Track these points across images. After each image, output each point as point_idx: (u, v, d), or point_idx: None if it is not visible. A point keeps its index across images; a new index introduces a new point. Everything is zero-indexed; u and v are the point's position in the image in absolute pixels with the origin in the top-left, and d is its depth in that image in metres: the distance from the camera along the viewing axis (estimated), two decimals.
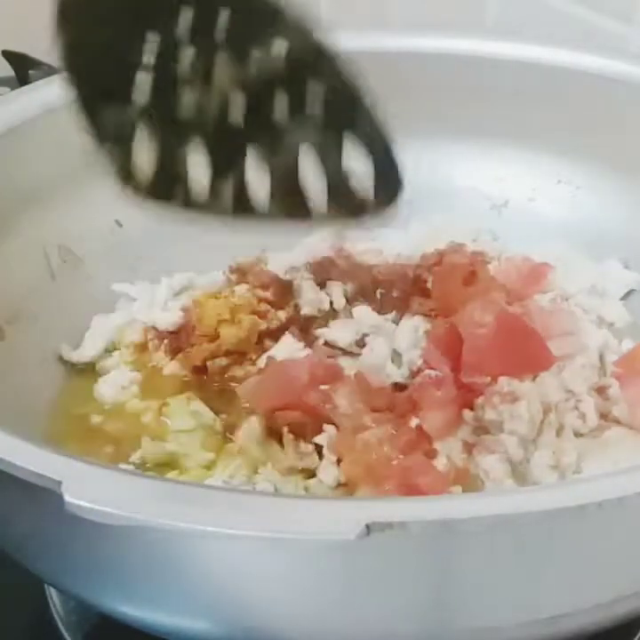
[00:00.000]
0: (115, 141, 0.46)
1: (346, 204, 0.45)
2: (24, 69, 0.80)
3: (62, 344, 0.58)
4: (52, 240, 0.59)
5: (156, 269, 0.63)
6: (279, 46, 0.44)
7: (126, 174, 0.46)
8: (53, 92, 0.59)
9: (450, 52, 0.64)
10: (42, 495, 0.37)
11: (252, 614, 0.40)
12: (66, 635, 0.51)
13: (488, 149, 0.65)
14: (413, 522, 0.36)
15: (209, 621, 0.41)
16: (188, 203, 0.46)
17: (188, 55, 0.44)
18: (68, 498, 0.36)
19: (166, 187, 0.46)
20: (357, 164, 0.45)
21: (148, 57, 0.45)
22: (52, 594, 0.53)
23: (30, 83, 0.73)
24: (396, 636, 0.40)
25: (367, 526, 0.35)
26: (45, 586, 0.53)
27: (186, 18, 0.44)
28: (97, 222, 0.61)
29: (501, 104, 0.64)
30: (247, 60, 0.44)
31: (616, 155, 0.62)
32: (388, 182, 0.46)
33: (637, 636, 0.50)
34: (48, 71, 0.75)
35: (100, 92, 0.46)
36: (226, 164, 0.46)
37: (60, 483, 0.36)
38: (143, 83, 0.45)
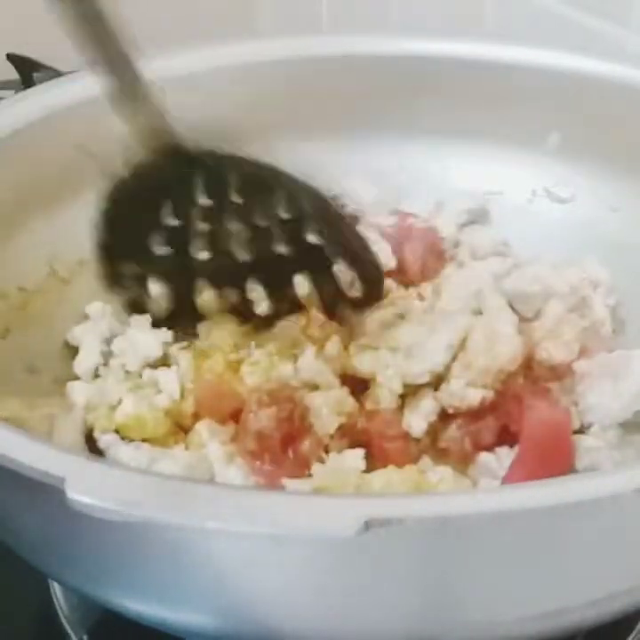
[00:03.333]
0: (129, 288, 0.55)
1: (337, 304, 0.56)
2: (28, 72, 0.81)
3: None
4: (57, 241, 0.60)
5: None
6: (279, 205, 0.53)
7: (139, 308, 0.56)
8: (57, 95, 0.60)
9: (448, 54, 0.64)
10: (45, 491, 0.37)
11: (252, 610, 0.40)
12: (69, 630, 0.52)
13: (483, 150, 0.65)
14: (412, 518, 0.36)
15: (209, 617, 0.41)
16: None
17: (200, 224, 0.53)
18: (70, 494, 0.36)
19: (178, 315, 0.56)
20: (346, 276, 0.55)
21: (165, 221, 0.53)
22: (56, 589, 0.53)
23: (34, 85, 0.74)
24: (394, 631, 0.41)
25: (366, 523, 0.35)
26: (49, 581, 0.53)
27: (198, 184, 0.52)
28: None
29: (499, 106, 0.64)
30: (252, 218, 0.53)
31: (615, 156, 0.62)
32: (372, 285, 0.56)
33: (636, 631, 0.50)
34: (52, 74, 0.76)
35: (122, 255, 0.54)
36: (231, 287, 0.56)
37: (63, 479, 0.36)
38: (159, 243, 0.54)
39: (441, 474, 0.51)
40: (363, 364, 0.54)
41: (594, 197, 0.64)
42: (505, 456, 0.52)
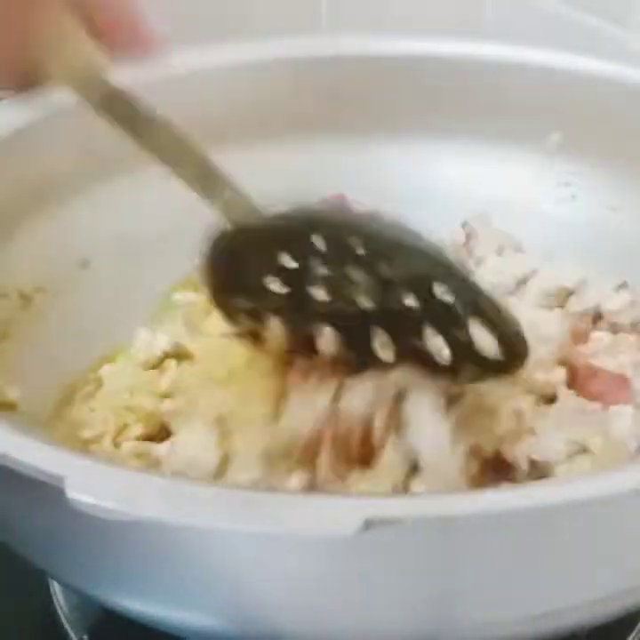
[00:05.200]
0: (247, 320, 0.52)
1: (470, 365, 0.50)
2: None
3: None
4: (58, 242, 0.60)
5: None
6: (405, 266, 0.48)
7: (257, 340, 0.52)
8: (59, 95, 0.60)
9: (449, 55, 0.64)
10: (44, 491, 0.37)
11: (252, 609, 0.40)
12: (69, 630, 0.52)
13: (483, 151, 0.65)
14: (412, 518, 0.36)
15: (209, 617, 0.41)
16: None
17: (320, 270, 0.50)
18: (70, 494, 0.36)
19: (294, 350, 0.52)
20: (482, 337, 0.49)
21: (282, 271, 0.50)
22: (56, 589, 0.53)
23: None
24: (393, 631, 0.41)
25: (365, 522, 0.35)
26: (49, 581, 0.53)
27: (317, 242, 0.49)
28: (104, 223, 0.62)
29: (499, 106, 0.64)
30: (377, 272, 0.49)
31: (615, 156, 0.62)
32: (514, 350, 0.49)
33: (636, 630, 0.50)
34: None
35: (235, 293, 0.52)
36: (353, 339, 0.51)
37: (62, 478, 0.36)
38: (277, 288, 0.51)
39: None
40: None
41: (595, 198, 0.64)
42: None
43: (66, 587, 0.52)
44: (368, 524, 0.35)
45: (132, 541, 0.39)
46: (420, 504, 0.38)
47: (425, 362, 0.50)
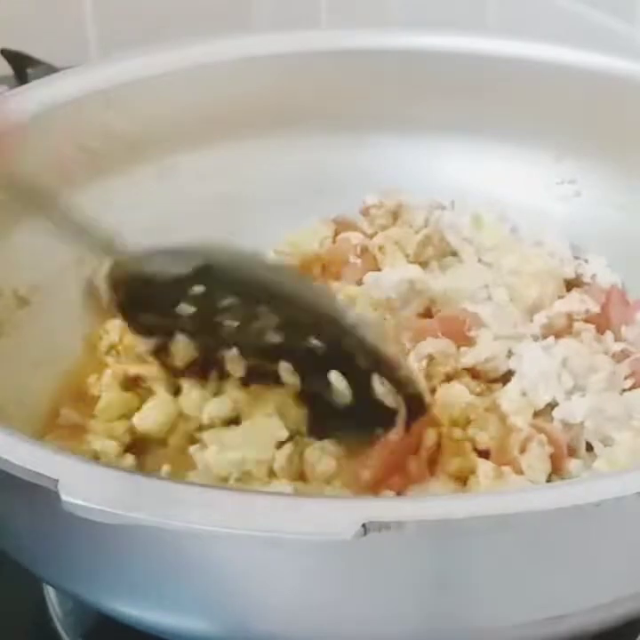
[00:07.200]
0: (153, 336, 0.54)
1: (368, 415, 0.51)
2: (22, 68, 0.80)
3: None
4: (53, 239, 0.59)
5: None
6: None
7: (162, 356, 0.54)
8: (52, 91, 0.60)
9: (450, 50, 0.64)
10: (38, 493, 0.37)
11: (249, 614, 0.40)
12: (64, 635, 0.51)
13: (487, 148, 0.65)
14: (411, 522, 0.36)
15: (205, 620, 0.41)
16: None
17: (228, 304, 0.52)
18: (64, 496, 0.35)
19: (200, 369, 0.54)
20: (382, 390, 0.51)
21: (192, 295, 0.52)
22: (51, 594, 0.52)
23: (29, 81, 0.74)
24: (393, 636, 0.40)
25: (364, 526, 0.35)
26: (43, 585, 0.53)
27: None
28: (99, 221, 0.61)
29: (502, 102, 0.64)
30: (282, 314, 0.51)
31: (620, 152, 0.62)
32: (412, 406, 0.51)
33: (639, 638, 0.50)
34: (46, 70, 0.76)
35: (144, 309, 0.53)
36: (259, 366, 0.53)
37: (56, 481, 0.36)
38: (185, 310, 0.52)
39: None
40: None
41: (599, 195, 0.64)
42: None
43: (60, 591, 0.51)
44: (367, 529, 0.35)
45: (125, 545, 0.39)
46: (419, 507, 0.37)
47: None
